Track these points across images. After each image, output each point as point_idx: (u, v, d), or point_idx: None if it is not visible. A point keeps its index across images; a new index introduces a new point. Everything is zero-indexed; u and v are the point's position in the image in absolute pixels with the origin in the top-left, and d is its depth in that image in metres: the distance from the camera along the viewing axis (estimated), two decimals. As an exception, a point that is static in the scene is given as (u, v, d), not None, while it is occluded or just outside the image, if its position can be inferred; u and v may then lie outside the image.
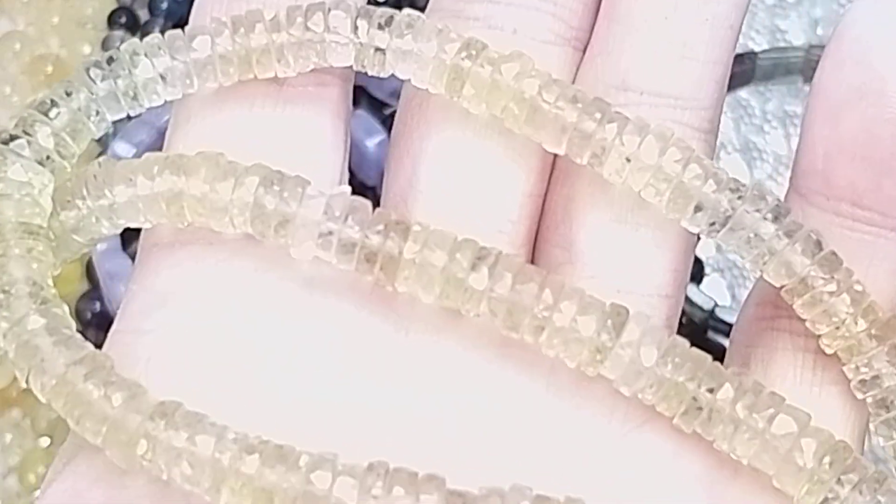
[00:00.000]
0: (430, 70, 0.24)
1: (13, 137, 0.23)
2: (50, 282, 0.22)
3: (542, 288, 0.23)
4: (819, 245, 0.23)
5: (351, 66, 0.24)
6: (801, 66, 0.43)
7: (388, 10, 0.24)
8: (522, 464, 0.23)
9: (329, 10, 0.24)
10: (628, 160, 0.23)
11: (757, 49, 0.44)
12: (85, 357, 0.21)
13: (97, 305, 0.39)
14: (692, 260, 0.25)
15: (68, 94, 0.24)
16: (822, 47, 0.40)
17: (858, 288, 0.23)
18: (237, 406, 0.22)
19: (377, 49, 0.24)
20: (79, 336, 0.22)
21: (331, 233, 0.23)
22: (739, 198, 0.23)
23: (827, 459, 0.22)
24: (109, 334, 0.24)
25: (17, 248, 0.22)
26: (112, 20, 0.43)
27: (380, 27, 0.24)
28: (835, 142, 0.23)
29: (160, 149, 0.25)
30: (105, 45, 0.43)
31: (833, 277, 0.23)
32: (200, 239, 0.24)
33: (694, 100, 0.24)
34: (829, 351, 0.23)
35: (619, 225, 0.24)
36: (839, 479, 0.22)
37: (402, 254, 0.23)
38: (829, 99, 0.23)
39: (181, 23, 0.26)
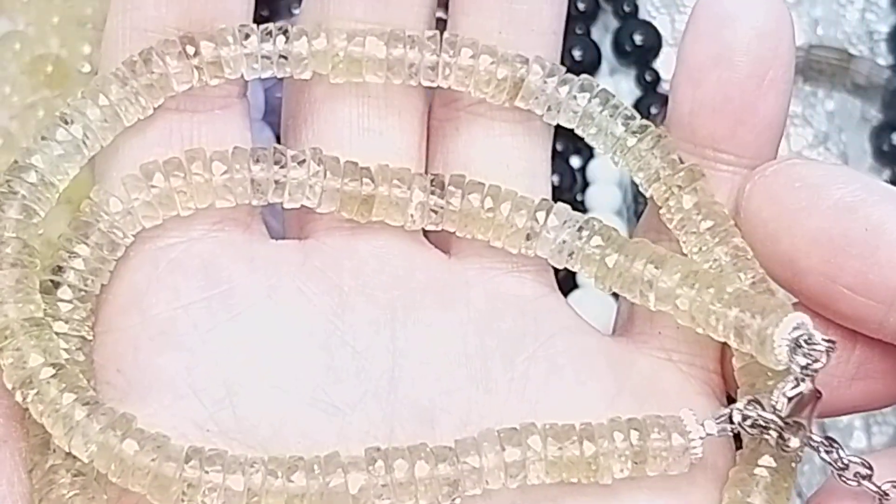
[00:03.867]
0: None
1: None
2: (62, 358, 0.26)
3: None
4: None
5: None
6: (802, 66, 0.43)
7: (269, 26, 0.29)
8: None
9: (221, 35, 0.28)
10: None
11: (757, 49, 0.46)
12: (116, 420, 0.25)
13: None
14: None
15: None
16: (823, 47, 0.43)
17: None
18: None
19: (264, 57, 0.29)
20: (103, 402, 0.26)
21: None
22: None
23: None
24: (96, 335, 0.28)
25: (29, 340, 0.26)
26: (112, 20, 0.43)
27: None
28: (698, 100, 0.28)
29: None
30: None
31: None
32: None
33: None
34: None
35: None
36: None
37: None
38: (690, 66, 0.28)
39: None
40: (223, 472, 0.25)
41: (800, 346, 0.26)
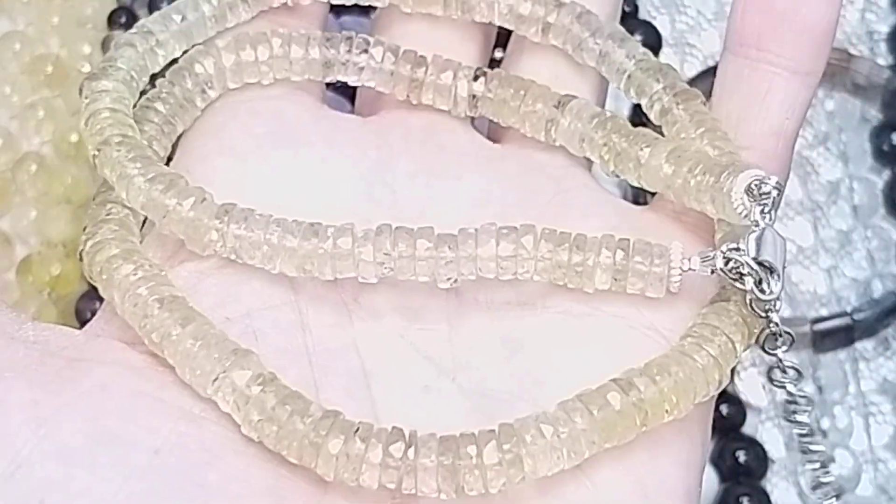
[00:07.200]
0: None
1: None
2: (130, 133, 0.30)
3: None
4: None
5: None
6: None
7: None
8: None
9: None
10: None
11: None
12: (161, 175, 0.29)
13: (97, 305, 0.39)
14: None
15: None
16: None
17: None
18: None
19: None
20: (159, 163, 0.30)
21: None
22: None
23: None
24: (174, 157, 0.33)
25: (109, 117, 0.30)
26: (112, 20, 0.43)
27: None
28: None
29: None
30: (105, 45, 0.42)
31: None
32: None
33: None
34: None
35: None
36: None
37: None
38: None
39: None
40: (247, 230, 0.29)
41: (753, 195, 0.28)
